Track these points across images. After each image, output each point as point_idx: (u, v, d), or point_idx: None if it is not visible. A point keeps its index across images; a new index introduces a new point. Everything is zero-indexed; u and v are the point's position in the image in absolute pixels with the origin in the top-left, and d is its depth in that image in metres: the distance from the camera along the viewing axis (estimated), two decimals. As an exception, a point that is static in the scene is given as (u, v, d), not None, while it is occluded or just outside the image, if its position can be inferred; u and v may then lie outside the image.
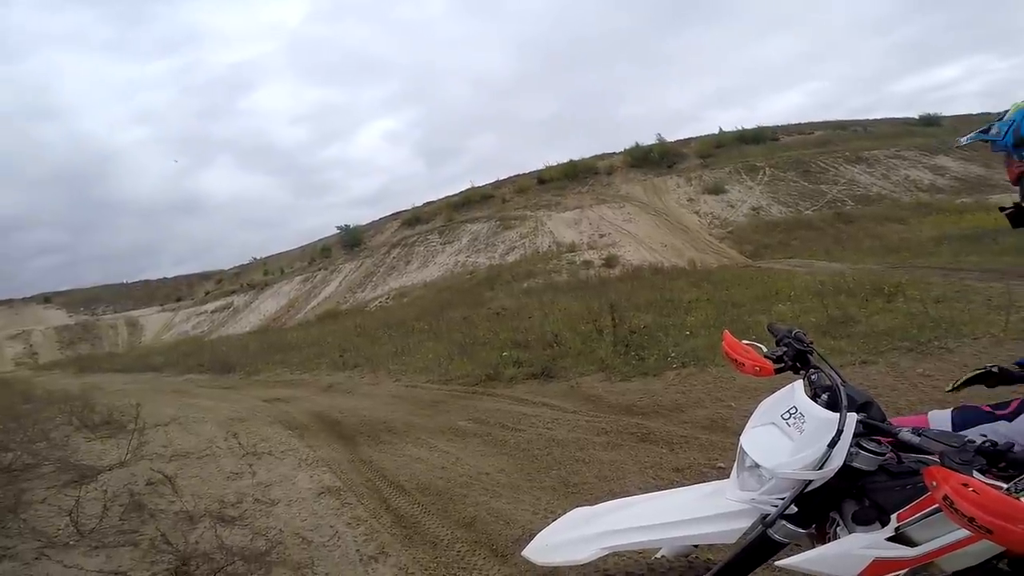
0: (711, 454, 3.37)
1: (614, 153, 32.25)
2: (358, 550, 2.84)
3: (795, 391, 1.21)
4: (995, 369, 1.46)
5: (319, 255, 36.85)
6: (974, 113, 29.97)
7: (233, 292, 37.94)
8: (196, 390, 10.12)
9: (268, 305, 31.34)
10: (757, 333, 5.32)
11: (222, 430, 5.79)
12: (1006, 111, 1.46)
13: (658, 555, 1.31)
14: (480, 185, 34.78)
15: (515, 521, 2.91)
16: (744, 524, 1.14)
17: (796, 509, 1.08)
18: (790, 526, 1.10)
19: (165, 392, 9.29)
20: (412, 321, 12.91)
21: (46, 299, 48.98)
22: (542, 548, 1.29)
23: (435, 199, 36.04)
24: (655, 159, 29.15)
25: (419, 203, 36.43)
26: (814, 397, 1.19)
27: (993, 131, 1.44)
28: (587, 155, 33.14)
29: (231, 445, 5.11)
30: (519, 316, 9.88)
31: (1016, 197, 1.48)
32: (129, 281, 55.34)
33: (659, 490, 1.47)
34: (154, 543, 3.00)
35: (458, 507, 3.22)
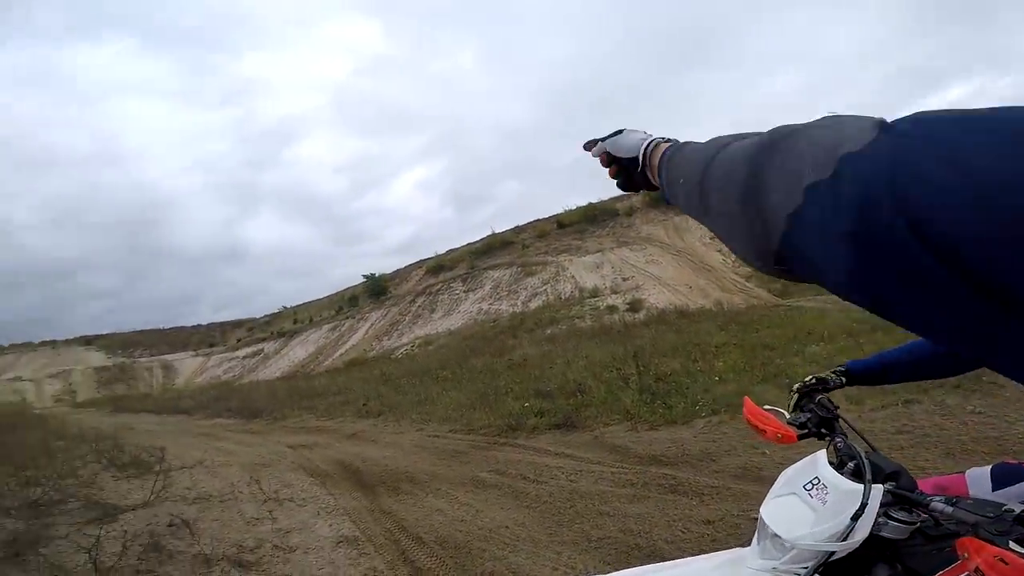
0: (744, 504, 3.18)
1: (633, 194, 32.44)
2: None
3: (818, 461, 1.16)
4: (812, 381, 1.34)
5: (346, 304, 37.03)
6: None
7: (264, 339, 38.79)
8: (223, 433, 10.19)
9: (297, 352, 31.75)
10: (792, 376, 5.11)
11: (246, 474, 5.79)
12: None
13: None
14: (500, 231, 34.94)
15: (537, 578, 2.78)
16: None
17: None
18: None
19: (193, 434, 9.36)
20: (436, 369, 12.88)
21: (87, 341, 51.80)
22: None
23: (458, 246, 36.31)
24: (676, 200, 29.14)
25: (443, 251, 36.70)
26: (839, 466, 1.13)
27: None
28: (606, 197, 33.29)
29: (253, 490, 5.10)
30: (542, 364, 9.75)
31: None
32: (165, 327, 57.96)
33: (688, 543, 1.40)
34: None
35: (476, 561, 3.11)
